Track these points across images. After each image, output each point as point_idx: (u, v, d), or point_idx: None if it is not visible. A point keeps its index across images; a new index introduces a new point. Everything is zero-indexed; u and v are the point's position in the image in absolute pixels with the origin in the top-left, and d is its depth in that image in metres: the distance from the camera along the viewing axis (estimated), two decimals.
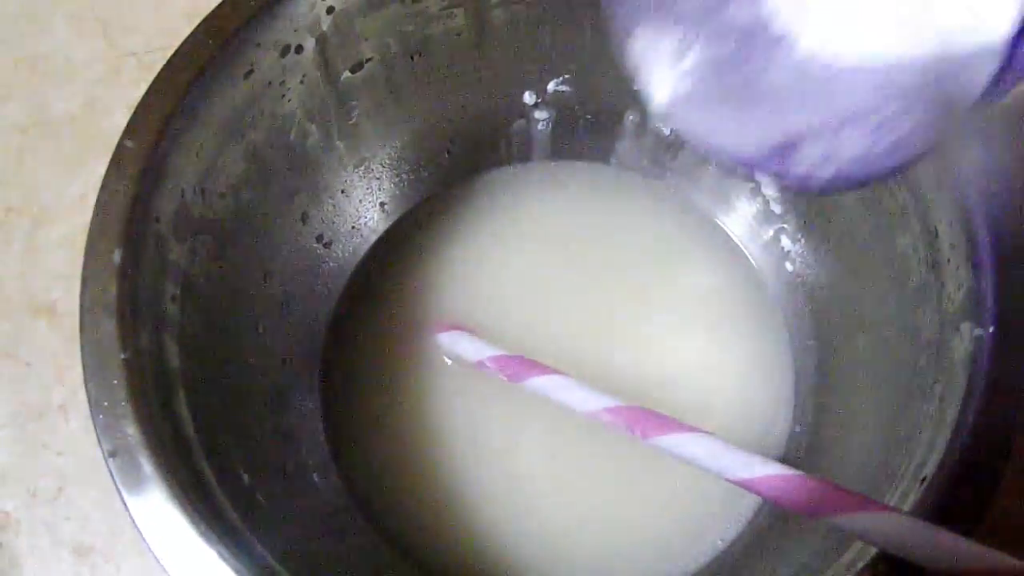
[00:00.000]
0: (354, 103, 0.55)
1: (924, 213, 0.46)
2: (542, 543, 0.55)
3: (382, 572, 0.54)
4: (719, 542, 0.54)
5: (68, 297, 0.62)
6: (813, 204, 0.56)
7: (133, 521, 0.38)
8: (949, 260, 0.44)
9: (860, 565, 0.38)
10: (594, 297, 0.60)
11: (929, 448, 0.40)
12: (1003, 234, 0.42)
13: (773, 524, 0.53)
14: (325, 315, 0.60)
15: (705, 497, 0.55)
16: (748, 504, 0.55)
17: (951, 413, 0.40)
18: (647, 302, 0.60)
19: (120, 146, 0.43)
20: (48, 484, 0.58)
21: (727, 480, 0.45)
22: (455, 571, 0.54)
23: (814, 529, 0.46)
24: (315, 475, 0.54)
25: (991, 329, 0.40)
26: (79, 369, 0.40)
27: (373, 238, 0.62)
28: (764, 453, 0.55)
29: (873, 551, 0.38)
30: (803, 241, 0.59)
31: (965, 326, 0.41)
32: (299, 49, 0.49)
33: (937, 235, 0.45)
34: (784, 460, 0.55)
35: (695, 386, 0.58)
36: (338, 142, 0.56)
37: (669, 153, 0.63)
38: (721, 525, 0.55)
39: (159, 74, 0.45)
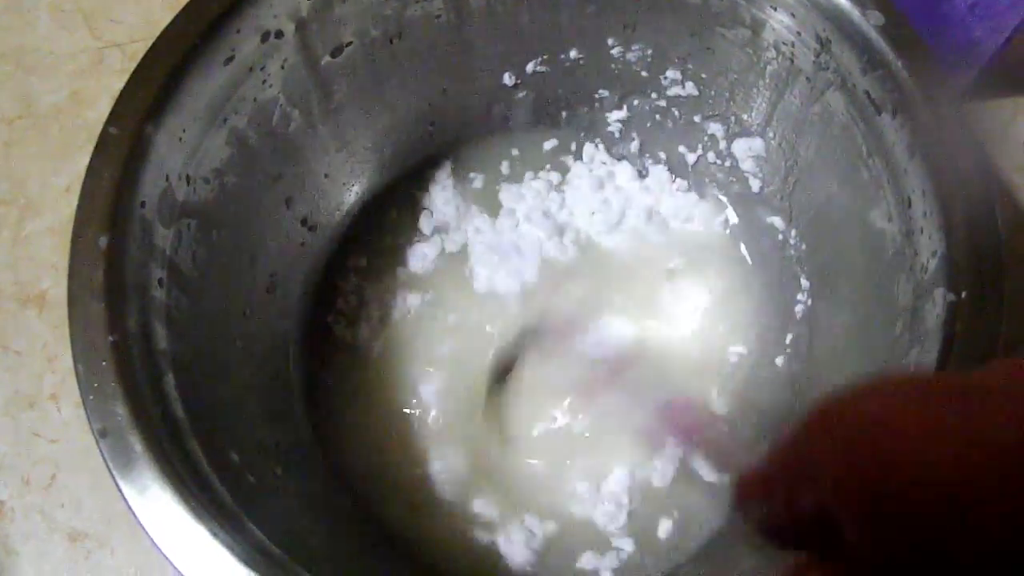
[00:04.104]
0: (335, 87, 0.55)
1: (897, 184, 0.46)
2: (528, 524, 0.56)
3: (370, 550, 0.54)
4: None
5: (57, 287, 0.62)
6: (790, 178, 0.57)
7: (124, 499, 0.39)
8: (922, 229, 0.44)
9: None
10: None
11: None
12: (973, 201, 0.42)
13: None
14: (310, 296, 0.60)
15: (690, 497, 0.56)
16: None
17: None
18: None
19: (104, 133, 0.44)
20: (41, 472, 0.58)
21: None
22: (442, 556, 0.55)
23: None
24: (304, 455, 0.55)
25: (963, 294, 0.41)
26: (69, 358, 0.41)
27: (357, 220, 0.62)
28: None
29: None
30: (781, 215, 0.60)
31: (938, 292, 0.42)
32: (279, 34, 0.49)
33: (910, 205, 0.45)
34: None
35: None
36: (320, 126, 0.56)
37: (650, 133, 0.64)
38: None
39: (141, 61, 0.46)
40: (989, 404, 0.23)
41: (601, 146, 0.65)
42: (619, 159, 0.65)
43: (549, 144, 0.65)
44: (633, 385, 0.54)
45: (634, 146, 0.65)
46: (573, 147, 0.65)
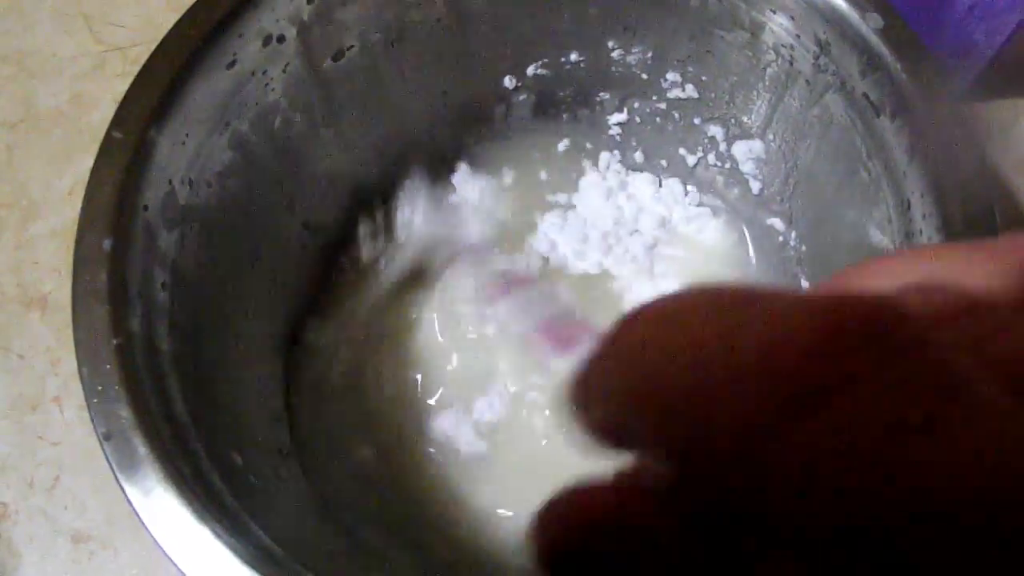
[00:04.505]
0: (337, 91, 0.55)
1: (897, 186, 0.47)
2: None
3: (374, 555, 0.54)
4: None
5: (60, 290, 0.63)
6: (790, 180, 0.57)
7: (129, 502, 0.39)
8: (922, 231, 0.45)
9: None
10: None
11: None
12: (973, 203, 0.43)
13: None
14: (311, 300, 0.61)
15: None
16: None
17: None
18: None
19: (107, 137, 0.44)
20: (45, 474, 0.59)
21: None
22: (448, 555, 0.55)
23: None
24: (304, 457, 0.55)
25: None
26: (72, 360, 0.41)
27: (358, 223, 0.62)
28: None
29: None
30: (781, 217, 0.60)
31: None
32: (281, 39, 0.50)
33: (910, 207, 0.46)
34: None
35: None
36: (322, 130, 0.56)
37: (650, 136, 0.64)
38: None
39: (144, 66, 0.46)
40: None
41: (617, 152, 0.66)
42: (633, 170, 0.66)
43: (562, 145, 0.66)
44: None
45: (639, 155, 0.65)
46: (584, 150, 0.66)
